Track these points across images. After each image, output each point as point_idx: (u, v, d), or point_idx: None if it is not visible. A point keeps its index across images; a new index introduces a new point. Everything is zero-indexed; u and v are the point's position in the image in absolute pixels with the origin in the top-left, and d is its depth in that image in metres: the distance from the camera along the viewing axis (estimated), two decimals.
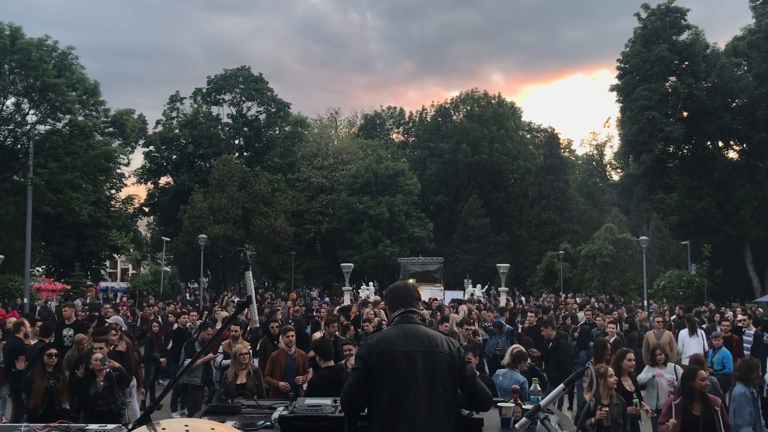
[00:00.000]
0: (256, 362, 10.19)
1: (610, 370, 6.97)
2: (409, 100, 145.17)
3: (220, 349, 10.56)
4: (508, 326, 14.97)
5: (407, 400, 3.48)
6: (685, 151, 42.72)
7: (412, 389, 3.50)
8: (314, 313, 18.28)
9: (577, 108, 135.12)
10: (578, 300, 32.04)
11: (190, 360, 10.65)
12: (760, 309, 25.13)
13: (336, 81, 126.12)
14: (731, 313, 19.01)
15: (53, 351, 7.97)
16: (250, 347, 9.73)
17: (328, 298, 38.47)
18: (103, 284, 50.04)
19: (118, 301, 33.67)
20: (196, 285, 49.25)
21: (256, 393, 7.74)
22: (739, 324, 14.62)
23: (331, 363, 7.80)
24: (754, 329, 13.71)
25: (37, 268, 44.18)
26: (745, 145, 40.35)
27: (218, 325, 13.92)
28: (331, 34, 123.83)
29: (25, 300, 27.91)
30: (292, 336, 9.47)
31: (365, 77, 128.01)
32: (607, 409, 6.61)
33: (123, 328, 12.95)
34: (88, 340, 9.81)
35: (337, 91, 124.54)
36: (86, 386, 7.77)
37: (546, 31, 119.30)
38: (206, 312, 19.92)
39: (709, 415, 6.56)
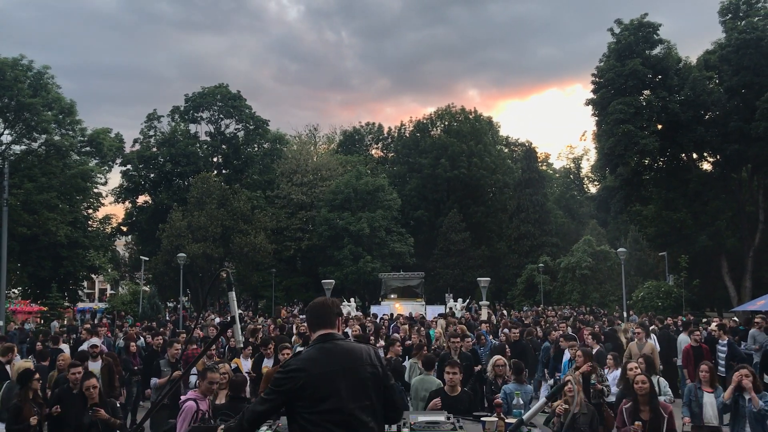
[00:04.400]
0: None
1: (576, 376, 7.21)
2: (386, 116, 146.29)
3: (194, 369, 10.40)
4: (492, 341, 15.02)
5: (336, 418, 3.48)
6: (660, 163, 43.26)
7: (339, 406, 3.50)
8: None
9: (553, 122, 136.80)
10: (558, 314, 32.22)
11: (171, 379, 10.46)
12: (735, 318, 25.43)
13: (312, 98, 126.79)
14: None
15: (38, 376, 7.85)
16: (228, 366, 9.61)
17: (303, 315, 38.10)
18: (80, 305, 49.39)
19: (96, 321, 33.18)
20: (175, 304, 48.81)
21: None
22: (714, 334, 14.95)
23: None
24: (727, 338, 14.17)
25: (13, 290, 43.47)
26: (718, 157, 40.95)
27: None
28: (306, 52, 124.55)
29: (1, 323, 27.43)
30: (288, 353, 9.18)
31: (342, 94, 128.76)
32: (567, 406, 6.86)
33: (104, 349, 12.76)
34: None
35: (314, 108, 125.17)
36: (79, 414, 7.63)
37: (518, 48, 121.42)
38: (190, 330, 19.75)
39: (656, 420, 6.95)
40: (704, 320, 25.13)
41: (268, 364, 10.87)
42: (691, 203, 40.95)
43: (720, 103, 38.40)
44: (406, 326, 18.84)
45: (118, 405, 8.49)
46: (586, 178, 75.61)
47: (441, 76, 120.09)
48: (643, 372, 7.87)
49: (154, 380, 10.69)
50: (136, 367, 13.84)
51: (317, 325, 3.77)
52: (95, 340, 13.38)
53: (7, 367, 10.77)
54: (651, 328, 19.15)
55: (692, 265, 36.91)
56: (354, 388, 3.55)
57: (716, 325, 15.73)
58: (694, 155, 42.78)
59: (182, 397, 6.67)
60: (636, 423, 6.90)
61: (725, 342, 14.03)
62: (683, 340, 15.07)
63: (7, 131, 40.17)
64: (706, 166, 43.98)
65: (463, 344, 11.63)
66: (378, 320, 24.36)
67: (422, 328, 17.49)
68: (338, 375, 3.54)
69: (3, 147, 40.26)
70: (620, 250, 34.88)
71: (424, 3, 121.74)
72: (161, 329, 19.32)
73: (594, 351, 11.67)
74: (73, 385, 8.18)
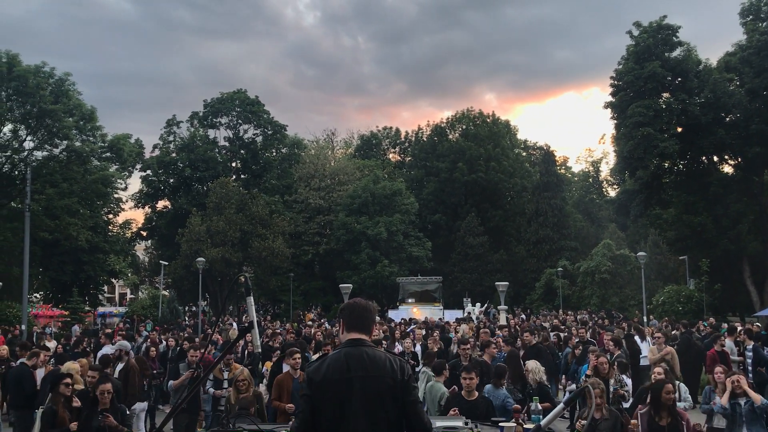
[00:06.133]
0: (261, 386, 10.09)
1: (598, 385, 7.18)
2: (403, 120, 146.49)
3: (210, 375, 10.43)
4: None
5: (345, 427, 3.40)
6: (680, 166, 42.87)
7: (350, 416, 3.40)
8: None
9: (571, 125, 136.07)
10: (578, 317, 32.00)
11: (187, 379, 10.46)
12: (758, 324, 25.08)
13: (329, 103, 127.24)
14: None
15: (69, 380, 7.88)
16: (248, 372, 9.64)
17: (323, 320, 37.94)
18: (101, 309, 49.87)
19: (114, 325, 33.47)
20: (194, 308, 49.11)
21: (259, 418, 7.74)
22: (740, 338, 14.78)
23: None
24: (752, 343, 13.99)
25: (35, 295, 43.98)
26: (739, 160, 40.51)
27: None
28: (323, 57, 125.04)
29: (23, 327, 27.73)
30: (298, 358, 9.23)
31: (359, 99, 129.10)
32: (585, 422, 6.82)
33: (129, 352, 12.86)
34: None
35: (331, 113, 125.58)
36: (88, 417, 7.69)
37: (535, 51, 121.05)
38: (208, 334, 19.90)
39: (675, 426, 6.93)
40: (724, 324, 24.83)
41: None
42: (711, 206, 40.50)
43: (741, 106, 37.98)
44: (422, 332, 18.67)
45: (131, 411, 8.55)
46: (605, 182, 75.08)
47: (458, 80, 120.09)
48: (667, 380, 7.81)
49: (170, 383, 10.75)
50: (155, 371, 13.95)
51: (352, 327, 3.66)
52: (124, 344, 13.51)
53: (38, 372, 10.93)
54: (672, 332, 18.96)
55: (713, 269, 36.49)
56: (370, 399, 3.43)
57: (743, 330, 15.59)
58: (715, 158, 42.33)
59: None
60: (632, 422, 6.91)
61: (750, 347, 13.89)
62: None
63: (29, 137, 40.70)
64: (727, 169, 43.52)
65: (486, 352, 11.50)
66: (393, 325, 24.21)
67: (436, 334, 17.34)
68: (355, 383, 3.43)
69: (25, 153, 40.79)
70: (640, 254, 34.56)
71: (439, 7, 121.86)
72: (180, 333, 19.52)
73: (614, 356, 11.59)
74: (90, 389, 8.27)
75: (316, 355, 12.78)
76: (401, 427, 3.51)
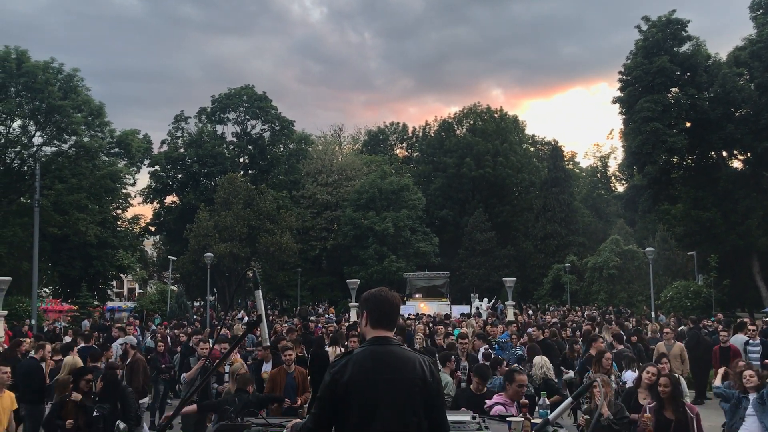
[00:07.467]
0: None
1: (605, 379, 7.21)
2: (409, 116, 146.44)
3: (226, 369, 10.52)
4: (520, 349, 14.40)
5: (373, 431, 3.20)
6: (689, 161, 42.65)
7: (378, 419, 3.20)
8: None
9: (579, 121, 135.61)
10: (587, 313, 31.96)
11: (197, 378, 10.56)
12: (766, 319, 24.94)
13: (336, 99, 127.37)
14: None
15: (90, 377, 7.93)
16: (245, 366, 9.76)
17: (331, 315, 37.80)
18: (110, 304, 50.06)
19: (124, 320, 33.61)
20: (202, 303, 49.29)
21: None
22: (748, 334, 14.68)
23: None
24: (759, 339, 13.93)
25: (44, 290, 44.17)
26: (749, 155, 40.26)
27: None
28: (329, 53, 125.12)
29: (33, 321, 27.87)
30: (291, 355, 9.41)
31: (365, 95, 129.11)
32: (588, 416, 6.86)
33: (134, 347, 12.94)
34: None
35: (337, 108, 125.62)
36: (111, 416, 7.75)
37: (542, 46, 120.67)
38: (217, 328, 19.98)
39: (683, 420, 6.90)
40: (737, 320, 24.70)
41: (266, 369, 10.54)
42: (720, 202, 40.27)
43: (750, 100, 37.74)
44: (422, 326, 18.61)
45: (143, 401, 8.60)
46: (613, 177, 74.83)
47: (464, 76, 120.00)
48: (666, 373, 7.82)
49: (183, 375, 10.83)
50: (163, 365, 14.03)
51: (377, 323, 3.43)
52: (130, 339, 13.61)
53: (43, 364, 11.02)
54: (680, 328, 18.89)
55: (722, 265, 36.27)
56: (399, 402, 3.24)
57: (751, 325, 15.46)
58: (724, 153, 42.09)
59: (488, 402, 6.53)
60: (646, 416, 6.90)
61: (757, 342, 13.81)
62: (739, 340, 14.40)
63: (38, 133, 40.80)
64: (737, 164, 43.26)
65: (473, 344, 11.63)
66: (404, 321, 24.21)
67: (440, 328, 17.26)
68: (384, 384, 3.24)
69: (34, 149, 40.90)
70: (648, 249, 34.41)
71: (445, 3, 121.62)
72: (189, 327, 19.60)
73: (616, 351, 11.58)
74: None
75: (331, 348, 12.87)
76: (433, 428, 3.33)
